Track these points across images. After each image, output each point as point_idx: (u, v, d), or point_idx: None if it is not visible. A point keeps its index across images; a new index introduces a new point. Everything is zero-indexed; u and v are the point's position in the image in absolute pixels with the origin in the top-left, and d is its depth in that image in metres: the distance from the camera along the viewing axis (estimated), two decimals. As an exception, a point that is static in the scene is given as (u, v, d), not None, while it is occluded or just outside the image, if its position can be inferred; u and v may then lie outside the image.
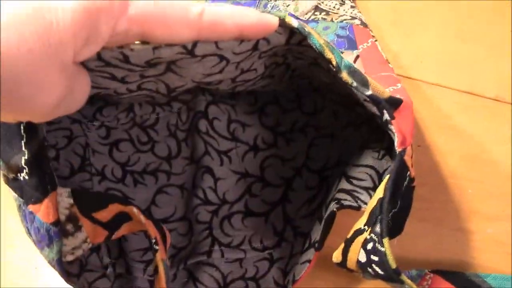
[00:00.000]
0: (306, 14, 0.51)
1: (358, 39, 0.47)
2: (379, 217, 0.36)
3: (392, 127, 0.38)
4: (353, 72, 0.37)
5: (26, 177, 0.37)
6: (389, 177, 0.36)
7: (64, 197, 0.38)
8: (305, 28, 0.36)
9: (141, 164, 0.54)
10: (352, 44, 0.47)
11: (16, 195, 0.38)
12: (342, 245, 0.39)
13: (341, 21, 0.50)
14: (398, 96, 0.39)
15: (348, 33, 0.48)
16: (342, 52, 0.46)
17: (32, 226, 0.38)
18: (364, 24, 0.50)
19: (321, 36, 0.37)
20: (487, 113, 0.57)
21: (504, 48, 0.58)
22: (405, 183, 0.39)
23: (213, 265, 0.53)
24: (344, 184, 0.45)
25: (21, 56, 0.26)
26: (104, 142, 0.52)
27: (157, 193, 0.54)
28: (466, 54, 0.59)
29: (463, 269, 0.53)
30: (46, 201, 0.37)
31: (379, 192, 0.37)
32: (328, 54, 0.36)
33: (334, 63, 0.37)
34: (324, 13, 0.51)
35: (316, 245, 0.45)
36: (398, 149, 0.37)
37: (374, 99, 0.38)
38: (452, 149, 0.56)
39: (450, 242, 0.54)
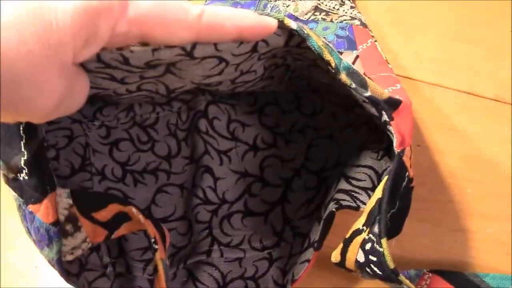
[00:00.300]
0: (306, 14, 0.51)
1: (358, 40, 0.47)
2: (378, 217, 0.36)
3: (391, 128, 0.38)
4: (352, 73, 0.37)
5: (26, 178, 0.37)
6: (388, 178, 0.37)
7: (63, 198, 0.38)
8: (304, 30, 0.36)
9: (141, 164, 0.54)
10: (351, 45, 0.47)
11: (16, 195, 0.39)
12: (341, 245, 0.40)
13: (341, 22, 0.50)
14: (397, 96, 0.39)
15: (347, 33, 0.48)
16: (341, 53, 0.46)
17: (32, 226, 0.38)
18: (364, 25, 0.50)
19: (320, 38, 0.37)
20: (487, 114, 0.57)
21: (504, 49, 0.58)
22: (404, 183, 0.39)
23: (213, 265, 0.53)
24: (343, 185, 0.46)
25: (21, 57, 0.26)
26: (104, 141, 0.52)
27: (157, 193, 0.54)
28: (466, 54, 0.59)
29: (462, 269, 0.53)
30: (45, 202, 0.37)
31: (378, 193, 0.37)
32: (327, 56, 0.36)
33: (333, 64, 0.37)
34: (324, 13, 0.51)
35: (315, 245, 0.45)
36: (397, 150, 0.37)
37: (372, 100, 0.38)
38: (451, 149, 0.56)
39: (450, 242, 0.54)
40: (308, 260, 0.46)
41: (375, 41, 0.48)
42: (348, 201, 0.44)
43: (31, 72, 0.27)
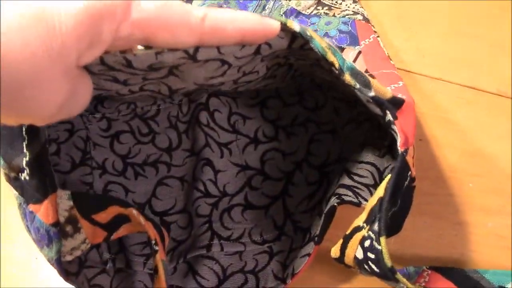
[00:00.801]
0: (308, 8, 0.51)
1: (360, 35, 0.47)
2: (378, 215, 0.36)
3: (395, 128, 0.37)
4: (355, 73, 0.37)
5: (27, 178, 0.37)
6: (391, 178, 0.36)
7: (64, 199, 0.38)
8: (307, 32, 0.36)
9: (141, 156, 0.54)
10: (354, 40, 0.47)
11: (17, 194, 0.39)
12: (341, 241, 0.40)
13: (343, 16, 0.49)
14: (400, 95, 0.39)
15: (350, 28, 0.48)
16: (343, 48, 0.46)
17: (32, 225, 0.38)
18: (366, 19, 0.49)
19: (323, 39, 0.37)
20: (489, 108, 0.57)
21: (506, 44, 0.58)
22: (406, 182, 0.39)
23: (213, 258, 0.53)
24: (345, 180, 0.46)
25: (24, 59, 0.26)
26: (105, 134, 0.52)
27: (157, 185, 0.54)
28: (468, 49, 0.59)
29: (462, 263, 0.54)
30: (46, 202, 0.37)
31: (380, 191, 0.37)
32: (331, 57, 0.36)
33: (336, 65, 0.36)
34: (326, 7, 0.51)
35: (316, 239, 0.45)
36: (400, 149, 0.37)
37: (377, 100, 0.37)
38: (453, 143, 0.56)
39: (450, 236, 0.54)
40: (308, 254, 0.46)
41: (378, 36, 0.48)
42: (350, 196, 0.44)
43: (34, 75, 0.27)
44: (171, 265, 0.52)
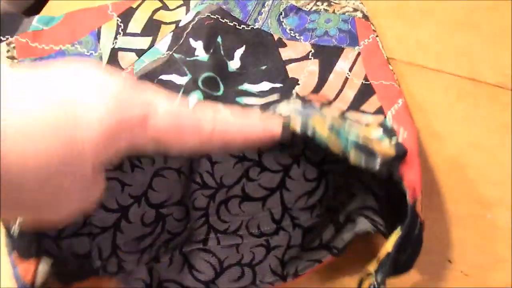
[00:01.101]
0: (308, 4, 0.50)
1: (360, 34, 0.47)
2: (382, 268, 0.38)
3: (403, 185, 0.38)
4: (359, 146, 0.37)
5: (15, 235, 0.37)
6: (400, 234, 0.37)
7: (45, 266, 0.39)
8: (309, 128, 0.36)
9: None
10: (353, 40, 0.46)
11: (5, 233, 0.39)
12: (358, 283, 0.41)
13: (343, 13, 0.49)
14: (401, 130, 0.38)
15: (350, 27, 0.47)
16: (343, 49, 0.45)
17: (14, 270, 0.39)
18: (366, 17, 0.49)
19: (324, 121, 0.37)
20: (489, 100, 0.57)
21: (505, 35, 0.58)
22: (416, 230, 0.39)
23: (209, 251, 0.53)
24: (371, 201, 0.47)
25: (41, 167, 0.26)
26: None
27: (154, 176, 0.54)
28: (468, 40, 0.59)
29: (461, 255, 0.54)
30: (28, 262, 0.38)
31: (389, 245, 0.38)
32: (334, 146, 0.36)
33: (341, 152, 0.37)
34: (326, 3, 0.50)
35: (335, 251, 0.47)
36: (410, 202, 0.37)
37: (386, 170, 0.38)
38: (452, 134, 0.56)
39: (450, 228, 0.54)
40: (319, 261, 0.48)
41: (377, 36, 0.47)
42: (382, 226, 0.46)
43: (51, 180, 0.27)
44: (166, 257, 0.52)
